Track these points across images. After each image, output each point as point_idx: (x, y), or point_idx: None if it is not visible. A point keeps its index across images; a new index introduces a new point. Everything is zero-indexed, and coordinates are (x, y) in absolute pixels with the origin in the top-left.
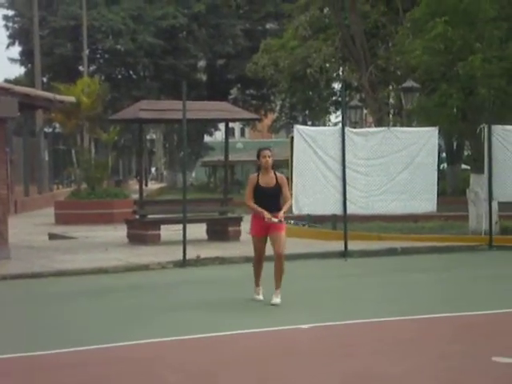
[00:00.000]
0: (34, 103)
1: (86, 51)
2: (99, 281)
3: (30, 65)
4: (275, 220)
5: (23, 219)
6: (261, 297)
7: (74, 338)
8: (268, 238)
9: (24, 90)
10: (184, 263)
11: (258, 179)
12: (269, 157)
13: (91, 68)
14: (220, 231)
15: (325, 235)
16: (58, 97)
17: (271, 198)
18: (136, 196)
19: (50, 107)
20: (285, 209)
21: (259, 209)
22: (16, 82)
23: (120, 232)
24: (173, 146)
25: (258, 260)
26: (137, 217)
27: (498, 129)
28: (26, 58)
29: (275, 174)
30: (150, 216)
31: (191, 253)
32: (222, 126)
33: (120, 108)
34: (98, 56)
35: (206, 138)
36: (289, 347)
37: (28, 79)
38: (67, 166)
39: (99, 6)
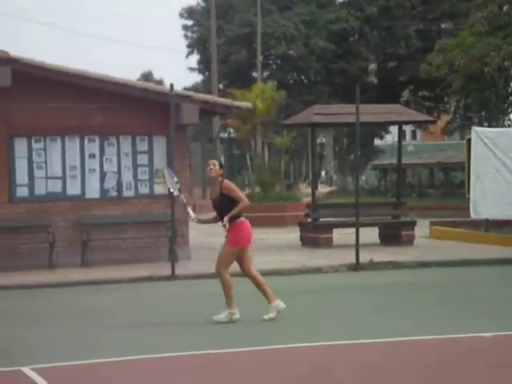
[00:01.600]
0: (213, 110)
1: (260, 57)
2: (275, 283)
3: (206, 72)
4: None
5: None
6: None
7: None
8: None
9: (204, 98)
10: (357, 267)
11: (211, 191)
12: (213, 165)
13: (264, 74)
14: (393, 235)
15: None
16: (236, 103)
17: (218, 210)
18: (307, 199)
19: (227, 113)
20: (232, 212)
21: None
22: (194, 89)
23: (293, 234)
24: (343, 149)
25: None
26: (309, 220)
27: None
28: (204, 66)
29: (221, 184)
30: (322, 219)
31: (364, 256)
32: (392, 128)
33: (292, 113)
34: (271, 62)
35: (376, 141)
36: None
37: (205, 86)
38: (242, 170)
39: (273, 12)
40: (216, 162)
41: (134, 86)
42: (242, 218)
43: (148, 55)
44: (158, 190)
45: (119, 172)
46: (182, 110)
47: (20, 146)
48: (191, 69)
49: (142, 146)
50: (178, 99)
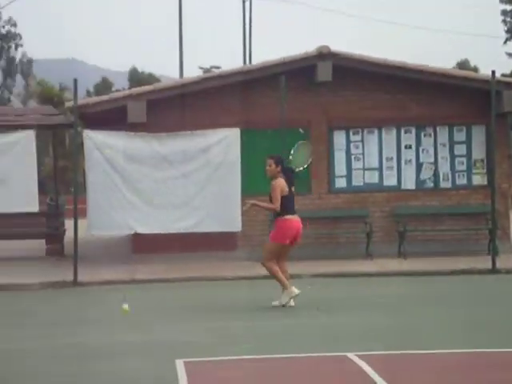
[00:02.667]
0: None
1: None
2: None
3: None
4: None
5: None
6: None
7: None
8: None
9: None
10: None
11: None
12: (269, 166)
13: None
14: None
15: None
16: None
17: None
18: None
19: None
20: (263, 204)
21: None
22: None
23: None
24: None
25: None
26: None
27: None
28: None
29: (272, 182)
30: None
31: None
32: None
33: None
34: None
35: None
36: None
37: None
38: None
39: None
40: (272, 161)
41: (454, 75)
42: (288, 216)
43: (462, 42)
44: (477, 180)
45: (436, 163)
46: (503, 98)
47: (339, 139)
48: (510, 54)
49: (460, 136)
50: (499, 86)
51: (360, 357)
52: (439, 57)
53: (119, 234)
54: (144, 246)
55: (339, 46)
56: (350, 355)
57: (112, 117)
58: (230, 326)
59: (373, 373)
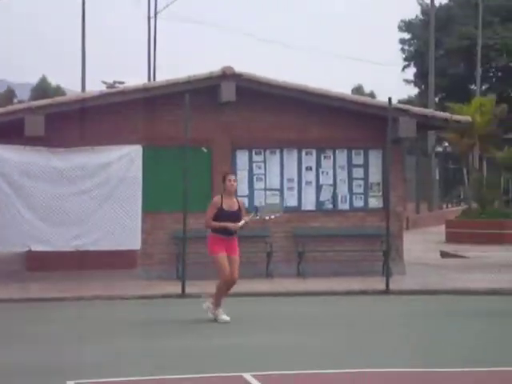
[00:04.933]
0: (431, 123)
1: (480, 70)
2: (491, 303)
3: (423, 86)
4: (240, 224)
5: (414, 236)
6: (227, 317)
7: (470, 357)
8: None
9: (422, 111)
10: None
11: (221, 202)
12: (234, 181)
13: (483, 87)
14: None
15: None
16: (455, 117)
17: (232, 222)
18: None
19: (445, 127)
20: (244, 220)
21: (222, 224)
22: (408, 102)
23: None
24: None
25: (229, 279)
26: None
27: None
28: (420, 78)
29: (236, 198)
30: None
31: None
32: None
33: None
34: (491, 75)
35: None
36: None
37: (419, 100)
38: (456, 185)
39: (494, 24)
40: (234, 177)
41: (352, 100)
42: None
43: (359, 69)
44: (373, 203)
45: (335, 185)
46: (399, 124)
47: (242, 158)
48: (407, 81)
49: (358, 159)
50: (395, 113)
51: (256, 377)
52: (336, 82)
53: (13, 251)
54: (38, 263)
55: (248, 68)
56: (246, 375)
57: (9, 130)
58: (124, 347)
59: None
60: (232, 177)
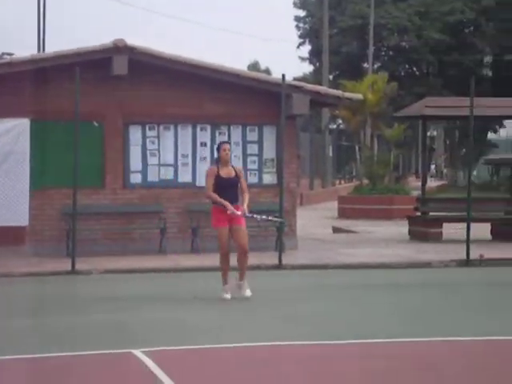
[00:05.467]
0: (324, 101)
1: (372, 49)
2: (381, 276)
3: (317, 63)
4: (238, 213)
5: (308, 212)
6: (229, 295)
7: (360, 331)
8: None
9: (315, 88)
10: (467, 263)
11: (218, 170)
12: (228, 150)
13: (375, 65)
14: (506, 232)
15: None
16: (347, 94)
17: (232, 189)
18: (416, 193)
19: (338, 104)
20: (247, 201)
21: (223, 201)
22: (303, 79)
23: (400, 228)
24: (454, 142)
25: (225, 253)
26: (418, 214)
27: None
28: (315, 56)
29: (233, 166)
30: (431, 213)
31: (474, 252)
32: (507, 122)
33: (402, 104)
34: (383, 53)
35: (490, 135)
36: None
37: (314, 77)
38: (349, 162)
39: (386, 3)
40: (229, 147)
41: (246, 76)
42: None
43: (255, 45)
44: (267, 179)
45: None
46: (292, 101)
47: (135, 134)
48: (302, 58)
49: (252, 135)
50: (289, 89)
51: (146, 353)
52: (233, 58)
53: None
54: None
55: (145, 42)
56: (136, 352)
57: None
58: (10, 325)
59: (157, 369)
60: (227, 146)
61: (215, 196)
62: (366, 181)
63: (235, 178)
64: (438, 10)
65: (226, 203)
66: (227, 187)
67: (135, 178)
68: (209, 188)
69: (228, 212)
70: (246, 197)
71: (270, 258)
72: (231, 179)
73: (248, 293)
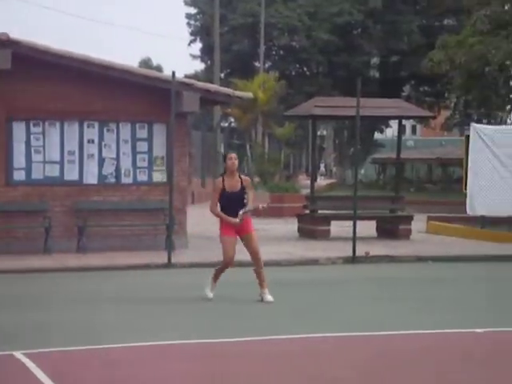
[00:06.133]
0: (214, 98)
1: (263, 48)
2: (272, 274)
3: (209, 61)
4: (237, 221)
5: (200, 210)
6: (211, 295)
7: (244, 327)
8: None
9: (205, 86)
10: (353, 260)
11: (223, 183)
12: (235, 159)
13: (266, 64)
14: (390, 229)
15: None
16: (237, 93)
17: (237, 202)
18: (305, 191)
19: (229, 102)
20: (247, 208)
21: (226, 217)
22: (195, 77)
23: (290, 226)
24: (343, 142)
25: (228, 263)
26: (307, 212)
27: None
28: (206, 54)
29: (240, 176)
30: (320, 211)
31: (361, 249)
32: (393, 123)
33: (292, 104)
34: (274, 53)
35: (377, 135)
36: (466, 351)
37: (206, 75)
38: (241, 160)
39: (276, 3)
40: (236, 156)
41: (136, 73)
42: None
43: (147, 42)
44: (157, 177)
45: (118, 158)
46: (183, 98)
47: (18, 130)
48: (194, 56)
49: (142, 133)
50: (179, 87)
51: (27, 355)
52: (124, 54)
53: None
54: None
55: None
56: (17, 354)
57: None
58: None
59: (38, 371)
60: (233, 155)
61: (218, 212)
62: (256, 179)
63: (241, 192)
64: (326, 10)
65: (230, 219)
66: (232, 200)
67: (19, 175)
68: (214, 204)
69: (231, 221)
70: (249, 204)
71: (160, 257)
72: (236, 193)
73: (270, 298)
